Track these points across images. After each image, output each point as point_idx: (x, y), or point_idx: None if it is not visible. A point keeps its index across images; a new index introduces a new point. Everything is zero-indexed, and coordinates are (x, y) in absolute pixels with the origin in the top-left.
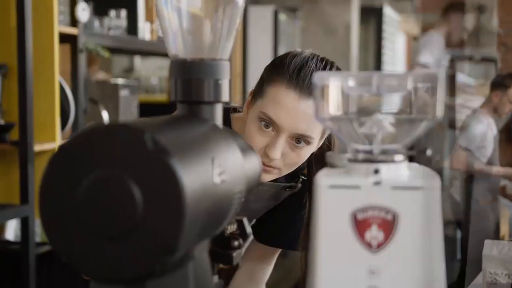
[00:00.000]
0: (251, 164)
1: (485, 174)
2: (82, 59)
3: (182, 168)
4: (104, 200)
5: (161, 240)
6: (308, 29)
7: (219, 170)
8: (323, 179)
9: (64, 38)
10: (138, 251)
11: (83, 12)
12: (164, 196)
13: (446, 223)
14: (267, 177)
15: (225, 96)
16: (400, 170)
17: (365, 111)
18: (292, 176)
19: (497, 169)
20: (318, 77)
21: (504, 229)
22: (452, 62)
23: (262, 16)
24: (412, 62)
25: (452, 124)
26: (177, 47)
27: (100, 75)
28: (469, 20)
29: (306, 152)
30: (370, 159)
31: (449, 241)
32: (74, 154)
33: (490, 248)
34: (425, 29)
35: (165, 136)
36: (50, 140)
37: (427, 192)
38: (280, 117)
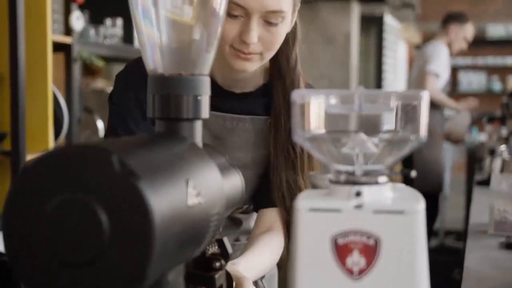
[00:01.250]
0: (232, 182)
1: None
2: (76, 68)
3: (151, 192)
4: (69, 224)
5: (129, 268)
6: (307, 38)
7: (195, 192)
8: (303, 202)
9: (58, 47)
10: (104, 280)
11: (77, 21)
12: (132, 221)
13: None
14: (250, 66)
15: (205, 113)
16: (383, 193)
17: (347, 130)
18: None
19: (456, 104)
20: (297, 94)
21: None
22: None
23: None
24: (418, 71)
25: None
26: (155, 62)
27: (99, 83)
28: (470, 30)
29: (282, 30)
30: (352, 180)
31: None
32: (40, 176)
33: (498, 182)
34: (426, 37)
35: (135, 158)
36: (43, 150)
37: (411, 216)
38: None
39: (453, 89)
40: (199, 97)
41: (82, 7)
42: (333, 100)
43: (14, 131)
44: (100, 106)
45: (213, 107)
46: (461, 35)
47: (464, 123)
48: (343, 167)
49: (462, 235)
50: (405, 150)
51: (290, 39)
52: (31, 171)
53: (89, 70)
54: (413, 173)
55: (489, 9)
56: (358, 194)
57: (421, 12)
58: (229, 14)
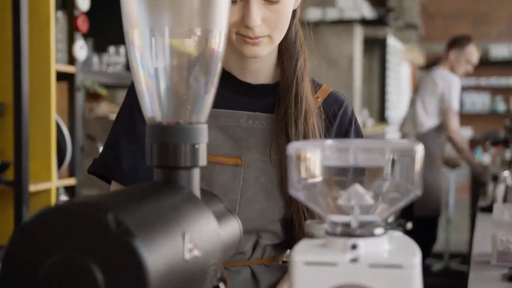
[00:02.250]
0: (229, 230)
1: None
2: (79, 97)
3: (147, 250)
4: (66, 284)
5: None
6: (311, 61)
7: (191, 245)
8: (299, 255)
9: (62, 76)
10: None
11: (81, 50)
12: (128, 281)
13: None
14: (260, 50)
15: (202, 161)
16: (379, 245)
17: (343, 181)
18: None
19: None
20: (292, 148)
21: None
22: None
23: None
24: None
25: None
26: (154, 110)
27: (104, 107)
28: (473, 52)
29: (286, 6)
30: (348, 233)
31: None
32: (35, 234)
33: (500, 212)
34: (429, 58)
35: (131, 215)
36: (46, 179)
37: (408, 270)
38: None
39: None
40: (196, 146)
41: (86, 36)
42: (328, 153)
43: (17, 160)
44: (103, 133)
45: (228, 104)
46: (462, 59)
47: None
48: (339, 218)
49: (467, 258)
50: (401, 202)
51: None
52: (26, 230)
53: (93, 94)
54: (409, 225)
55: (492, 30)
56: (354, 247)
57: (425, 33)
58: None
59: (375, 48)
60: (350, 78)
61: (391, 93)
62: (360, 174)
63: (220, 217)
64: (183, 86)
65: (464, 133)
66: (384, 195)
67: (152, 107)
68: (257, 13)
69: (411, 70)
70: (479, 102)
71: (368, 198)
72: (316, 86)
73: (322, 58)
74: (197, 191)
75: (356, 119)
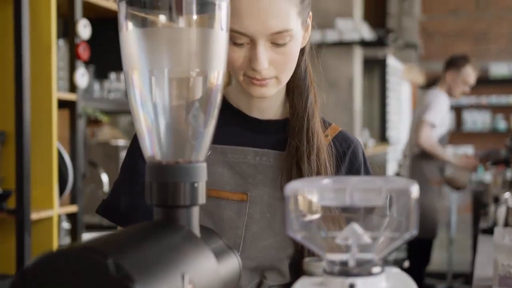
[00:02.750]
0: (228, 267)
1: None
2: (81, 124)
3: None
4: None
5: None
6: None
7: (190, 286)
8: None
9: (63, 103)
10: None
11: (82, 77)
12: None
13: None
14: (268, 91)
15: (201, 199)
16: (377, 284)
17: (341, 220)
18: None
19: (452, 159)
20: (290, 188)
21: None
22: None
23: None
24: (417, 118)
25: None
26: (153, 149)
27: (106, 131)
28: (469, 73)
29: (293, 48)
30: (345, 272)
31: None
32: (36, 279)
33: (501, 236)
34: (429, 77)
35: (130, 258)
36: (47, 207)
37: None
38: (245, 25)
39: (458, 128)
40: (195, 184)
41: (87, 63)
42: (325, 194)
43: (19, 189)
44: (105, 158)
45: (236, 140)
46: (459, 79)
47: (466, 171)
48: (336, 257)
49: (470, 278)
50: (398, 241)
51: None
52: (27, 275)
53: (95, 119)
54: (406, 264)
55: (492, 48)
56: (352, 286)
57: (424, 52)
58: (234, 43)
59: (375, 68)
60: (350, 99)
61: (391, 113)
62: (357, 213)
63: (219, 254)
64: (182, 126)
65: (466, 151)
66: (381, 234)
67: (151, 146)
68: (264, 56)
69: (412, 89)
70: (480, 120)
71: (366, 237)
72: (326, 124)
73: (322, 79)
74: (196, 229)
75: (366, 160)
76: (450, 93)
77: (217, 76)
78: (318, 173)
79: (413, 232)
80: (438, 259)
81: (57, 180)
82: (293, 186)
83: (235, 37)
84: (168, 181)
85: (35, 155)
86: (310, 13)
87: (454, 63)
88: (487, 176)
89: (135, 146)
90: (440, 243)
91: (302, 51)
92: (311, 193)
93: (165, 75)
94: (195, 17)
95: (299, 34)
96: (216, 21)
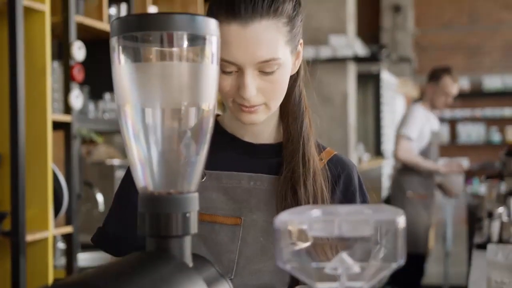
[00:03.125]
0: None
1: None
2: (76, 145)
3: None
4: None
5: None
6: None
7: None
8: None
9: (58, 125)
10: None
11: (77, 99)
12: None
13: None
14: (257, 117)
15: (193, 228)
16: None
17: (330, 250)
18: None
19: (436, 166)
20: (280, 220)
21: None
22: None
23: None
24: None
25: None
26: (146, 180)
27: (102, 150)
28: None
29: (281, 76)
30: None
31: None
32: None
33: (494, 253)
34: (423, 90)
35: None
36: (43, 228)
37: None
38: (233, 55)
39: (453, 141)
40: (187, 214)
41: (81, 83)
42: (314, 226)
43: (14, 211)
44: (100, 178)
45: (230, 165)
46: (439, 91)
47: (458, 178)
48: (326, 286)
49: None
50: (387, 271)
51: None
52: None
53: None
54: None
55: (485, 61)
56: None
57: (418, 66)
58: (223, 71)
59: (369, 83)
60: (344, 115)
61: (386, 126)
62: (346, 243)
63: (211, 282)
64: (174, 157)
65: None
66: (370, 263)
67: (144, 177)
68: (252, 84)
69: (406, 103)
70: (474, 133)
71: (355, 267)
72: (320, 148)
73: (316, 95)
74: (188, 259)
75: (362, 183)
76: (433, 106)
77: (208, 108)
78: (315, 197)
79: (400, 261)
80: (434, 272)
81: (52, 201)
82: (282, 218)
83: (223, 66)
84: (160, 211)
85: (30, 177)
86: (301, 41)
87: (434, 75)
88: (482, 188)
89: (129, 175)
90: (436, 256)
91: (295, 76)
92: (301, 225)
93: (157, 109)
94: (186, 51)
95: (288, 61)
96: (206, 55)
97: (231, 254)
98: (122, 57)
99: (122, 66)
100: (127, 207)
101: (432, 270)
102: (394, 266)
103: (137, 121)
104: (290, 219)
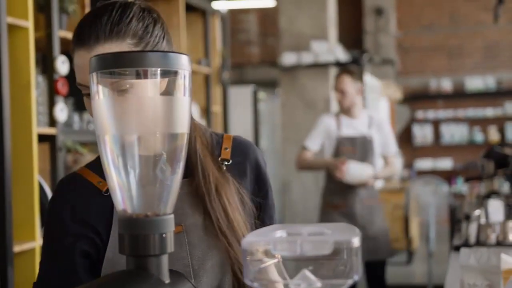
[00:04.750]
0: None
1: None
2: (61, 157)
3: None
4: None
5: None
6: (288, 103)
7: None
8: None
9: (43, 137)
10: None
11: (61, 112)
12: None
13: None
14: None
15: (170, 247)
16: None
17: (293, 267)
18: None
19: (327, 161)
20: (246, 241)
21: None
22: None
23: (242, 95)
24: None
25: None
26: (124, 204)
27: (88, 158)
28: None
29: (149, 87)
30: None
31: None
32: None
33: (467, 256)
34: (406, 92)
35: None
36: (29, 239)
37: None
38: (85, 77)
39: (436, 141)
40: (164, 235)
41: (66, 96)
42: (278, 245)
43: (1, 223)
44: None
45: None
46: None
47: (355, 171)
48: None
49: None
50: (345, 286)
51: None
52: None
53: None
54: None
55: (467, 63)
56: None
57: (401, 68)
58: (85, 95)
59: None
60: None
61: None
62: (308, 261)
63: None
64: (150, 182)
65: (444, 164)
66: (330, 279)
67: (122, 200)
68: None
69: (390, 105)
70: (458, 133)
71: (317, 283)
72: (218, 137)
73: (299, 100)
74: (165, 276)
75: (262, 163)
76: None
77: (182, 134)
78: (225, 210)
79: (355, 277)
80: (418, 272)
81: (39, 212)
82: (249, 239)
83: (83, 89)
84: (139, 233)
85: (17, 189)
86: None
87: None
88: (465, 188)
89: (53, 217)
90: (419, 256)
91: None
92: (266, 245)
93: (134, 137)
94: (159, 85)
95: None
96: (178, 88)
97: (184, 260)
98: (101, 91)
99: (100, 99)
100: (63, 255)
101: (416, 270)
102: (349, 282)
103: (116, 149)
104: (256, 241)
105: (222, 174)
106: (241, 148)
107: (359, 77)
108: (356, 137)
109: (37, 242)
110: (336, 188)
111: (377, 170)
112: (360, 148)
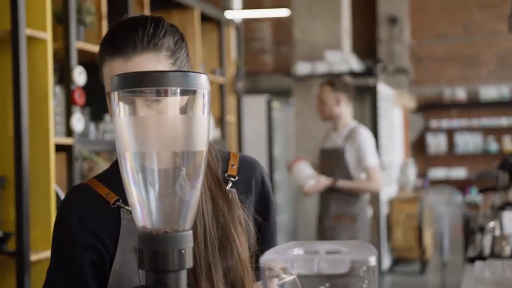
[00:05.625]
0: None
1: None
2: (77, 166)
3: None
4: None
5: None
6: (301, 113)
7: None
8: None
9: (60, 147)
10: None
11: (78, 122)
12: None
13: None
14: None
15: (189, 263)
16: None
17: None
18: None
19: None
20: (264, 259)
21: None
22: None
23: (256, 104)
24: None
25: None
26: (144, 220)
27: (103, 166)
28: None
29: (169, 106)
30: None
31: None
32: None
33: (482, 270)
34: (420, 101)
35: None
36: (46, 248)
37: None
38: None
39: (450, 151)
40: (183, 251)
41: (82, 106)
42: (296, 263)
43: (18, 231)
44: None
45: None
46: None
47: (297, 173)
48: None
49: None
50: None
51: None
52: None
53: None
54: None
55: (482, 72)
56: None
57: (415, 77)
58: None
59: (366, 95)
60: None
61: (383, 138)
62: (325, 279)
63: None
64: (170, 200)
65: (458, 174)
66: None
67: (142, 217)
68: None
69: (403, 114)
70: (472, 142)
71: None
72: (224, 155)
73: (312, 110)
74: None
75: (267, 181)
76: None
77: (201, 151)
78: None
79: None
80: (432, 282)
81: None
82: (266, 257)
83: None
84: (158, 248)
85: (34, 198)
86: None
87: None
88: (479, 197)
89: (62, 227)
90: (433, 266)
91: None
92: (283, 263)
93: (154, 155)
94: (179, 104)
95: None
96: (198, 107)
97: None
98: (122, 110)
99: (121, 118)
100: (72, 264)
101: (430, 280)
102: None
103: (136, 167)
104: (274, 259)
105: (223, 191)
106: (247, 165)
107: (341, 88)
108: (329, 149)
109: None
110: (318, 198)
111: (340, 182)
112: (332, 160)
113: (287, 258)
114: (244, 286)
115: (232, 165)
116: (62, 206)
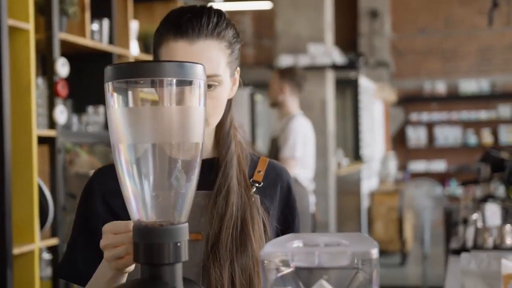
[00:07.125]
0: None
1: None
2: (60, 159)
3: None
4: None
5: None
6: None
7: None
8: None
9: (43, 139)
10: None
11: (61, 114)
12: None
13: None
14: None
15: (184, 256)
16: None
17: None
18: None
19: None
20: (264, 252)
21: None
22: None
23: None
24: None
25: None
26: (139, 213)
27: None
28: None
29: (221, 93)
30: None
31: None
32: None
33: (467, 261)
34: (401, 94)
35: None
36: (29, 241)
37: None
38: None
39: (430, 144)
40: (178, 244)
41: (65, 98)
42: (296, 255)
43: (0, 225)
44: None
45: None
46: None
47: None
48: None
49: None
50: None
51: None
52: None
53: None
54: None
55: (462, 66)
56: None
57: (396, 70)
58: None
59: (347, 89)
60: (323, 121)
61: (365, 131)
62: (325, 272)
63: None
64: (165, 192)
65: (438, 166)
66: None
67: (137, 210)
68: None
69: (384, 107)
70: (451, 136)
71: None
72: (254, 159)
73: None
74: (180, 284)
75: (293, 190)
76: None
77: (197, 145)
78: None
79: None
80: (413, 274)
81: (38, 214)
82: (266, 250)
83: None
84: (153, 242)
85: (16, 191)
86: (238, 68)
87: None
88: (459, 190)
89: (85, 200)
90: (414, 258)
91: (230, 103)
92: (284, 256)
93: (149, 147)
94: (175, 95)
95: (227, 83)
96: (194, 98)
97: (197, 267)
98: (116, 101)
99: (115, 109)
100: (89, 232)
101: (410, 272)
102: None
103: (130, 159)
104: (274, 251)
105: (248, 194)
106: (275, 172)
107: (288, 78)
108: (272, 138)
109: (37, 244)
110: None
111: None
112: (272, 149)
113: (287, 250)
114: (256, 286)
115: (259, 171)
116: (89, 180)
